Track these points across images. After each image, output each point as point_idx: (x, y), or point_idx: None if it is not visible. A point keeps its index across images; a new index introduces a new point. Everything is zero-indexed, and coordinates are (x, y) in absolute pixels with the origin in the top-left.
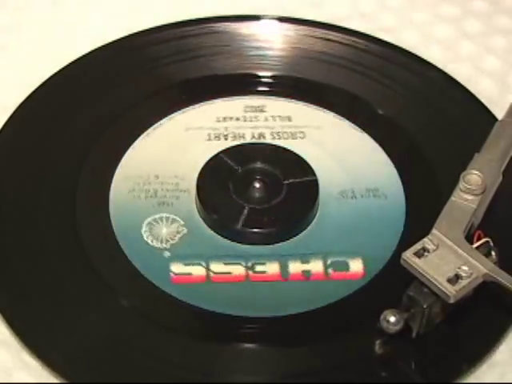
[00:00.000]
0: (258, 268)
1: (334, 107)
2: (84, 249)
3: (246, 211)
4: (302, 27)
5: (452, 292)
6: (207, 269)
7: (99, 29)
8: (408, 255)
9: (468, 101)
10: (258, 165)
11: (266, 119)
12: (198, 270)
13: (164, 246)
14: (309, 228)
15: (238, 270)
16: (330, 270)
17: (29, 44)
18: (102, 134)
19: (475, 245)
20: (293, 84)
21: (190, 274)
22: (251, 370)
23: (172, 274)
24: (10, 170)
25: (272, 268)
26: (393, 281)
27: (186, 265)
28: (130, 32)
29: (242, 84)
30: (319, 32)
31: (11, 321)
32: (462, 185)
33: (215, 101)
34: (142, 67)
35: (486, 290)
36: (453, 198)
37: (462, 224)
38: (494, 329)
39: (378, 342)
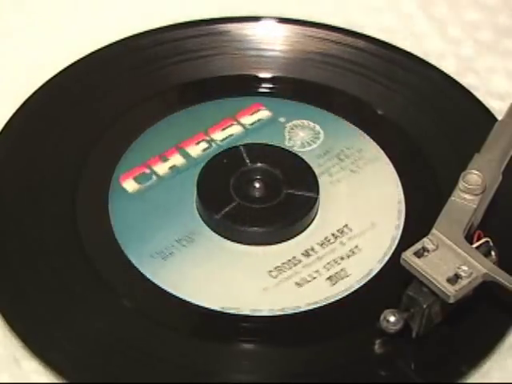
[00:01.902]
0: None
1: (333, 108)
2: (84, 249)
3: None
4: (302, 28)
5: (451, 292)
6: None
7: (98, 30)
8: (408, 255)
9: (468, 101)
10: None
11: None
12: None
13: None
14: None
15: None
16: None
17: (29, 45)
18: (102, 133)
19: (475, 245)
20: (293, 85)
21: None
22: (251, 370)
23: None
24: (11, 170)
25: None
26: (393, 281)
27: None
28: (130, 34)
29: (241, 85)
30: (319, 33)
31: (11, 321)
32: (461, 184)
33: None
34: (142, 68)
35: (486, 290)
36: (452, 198)
37: (461, 224)
38: (493, 329)
39: (377, 341)
